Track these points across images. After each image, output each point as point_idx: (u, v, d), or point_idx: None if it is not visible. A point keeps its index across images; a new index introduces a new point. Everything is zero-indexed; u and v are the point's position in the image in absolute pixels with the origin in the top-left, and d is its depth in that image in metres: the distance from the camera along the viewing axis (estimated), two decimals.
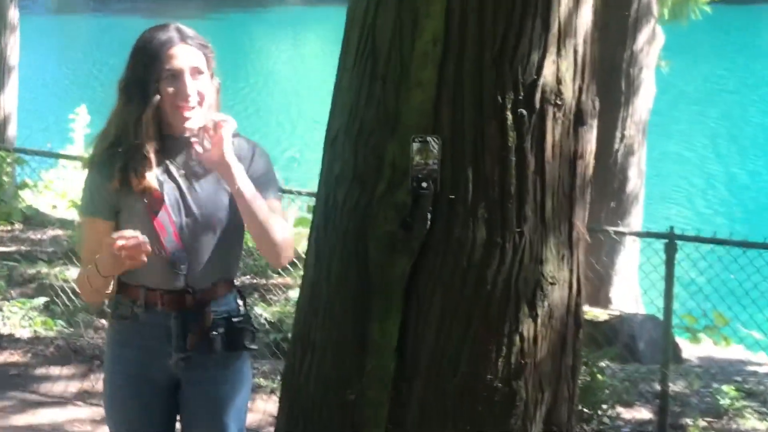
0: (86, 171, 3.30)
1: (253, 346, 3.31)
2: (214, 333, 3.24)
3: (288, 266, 7.33)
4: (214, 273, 3.26)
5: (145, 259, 3.04)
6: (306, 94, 22.82)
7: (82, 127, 11.25)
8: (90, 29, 34.71)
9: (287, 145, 16.41)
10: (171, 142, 3.22)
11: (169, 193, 3.21)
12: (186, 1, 39.84)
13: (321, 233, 3.26)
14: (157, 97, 3.14)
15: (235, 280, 3.39)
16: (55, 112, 19.60)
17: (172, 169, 3.23)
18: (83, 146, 10.88)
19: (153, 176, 3.17)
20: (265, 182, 3.27)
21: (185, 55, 3.17)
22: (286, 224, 3.34)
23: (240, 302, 3.36)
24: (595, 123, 3.19)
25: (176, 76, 3.15)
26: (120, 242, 3.01)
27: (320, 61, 28.53)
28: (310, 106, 20.76)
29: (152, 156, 3.16)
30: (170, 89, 3.15)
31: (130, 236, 3.02)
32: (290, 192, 6.17)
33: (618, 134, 8.39)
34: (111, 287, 3.24)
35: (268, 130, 17.11)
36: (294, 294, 7.22)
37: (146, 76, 3.14)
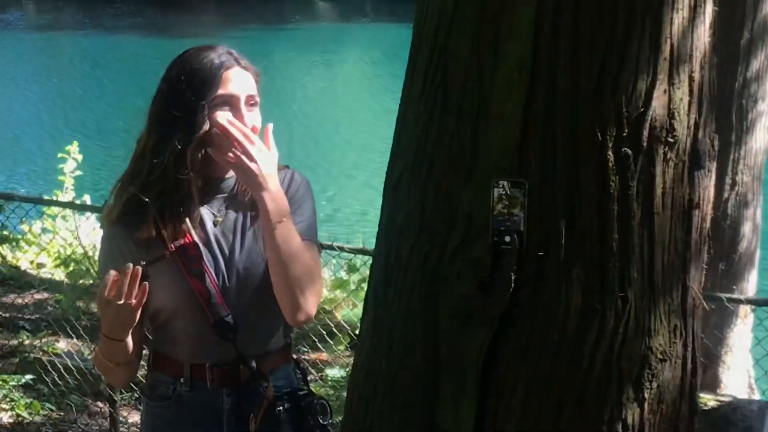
0: (106, 224, 3.33)
1: (330, 421, 3.29)
2: (280, 410, 3.24)
3: (327, 338, 7.35)
4: (267, 339, 3.28)
5: (146, 285, 3.04)
6: (344, 128, 22.92)
7: (72, 170, 11.35)
8: (80, 50, 35.11)
9: (323, 189, 16.46)
10: (210, 185, 3.25)
11: (206, 245, 3.24)
12: (197, 16, 40.23)
13: (380, 297, 3.28)
14: (206, 126, 3.16)
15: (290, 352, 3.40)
16: (40, 151, 19.81)
17: (206, 217, 3.26)
18: (74, 191, 10.97)
19: (196, 221, 3.20)
20: (304, 224, 3.30)
21: (242, 80, 3.22)
22: (320, 274, 3.35)
23: (300, 376, 3.38)
24: (713, 166, 3.20)
25: (231, 104, 3.19)
26: (110, 290, 3.03)
27: (359, 89, 28.66)
28: (350, 142, 20.83)
29: (195, 199, 3.19)
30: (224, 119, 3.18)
31: (116, 277, 3.03)
32: (330, 248, 6.18)
33: (728, 180, 8.33)
34: (129, 357, 3.25)
35: (299, 168, 17.23)
36: (333, 372, 7.25)
37: (195, 103, 3.16)
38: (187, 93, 3.17)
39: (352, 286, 8.46)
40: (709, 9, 3.12)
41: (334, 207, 15.33)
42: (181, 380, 3.28)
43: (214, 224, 3.26)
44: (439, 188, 3.12)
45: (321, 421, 3.27)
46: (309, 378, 7.25)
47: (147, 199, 3.18)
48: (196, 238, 3.21)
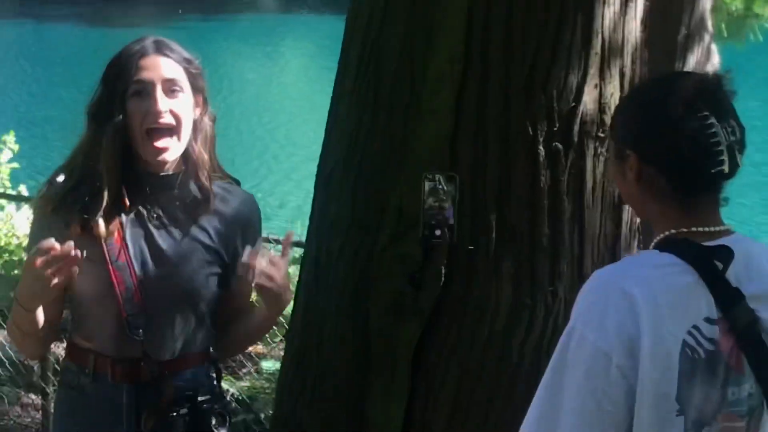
0: (38, 212, 3.29)
1: (223, 431, 3.28)
2: (174, 414, 3.22)
3: None
4: (179, 342, 3.25)
5: (76, 270, 3.02)
6: (283, 120, 22.87)
7: (8, 160, 11.23)
8: (17, 38, 34.80)
9: (262, 182, 16.42)
10: (146, 180, 3.21)
11: (135, 240, 3.19)
12: (140, 7, 39.99)
13: (311, 292, 3.27)
14: (121, 117, 3.12)
15: (210, 352, 3.36)
16: None
17: (143, 211, 3.22)
18: (9, 183, 10.86)
19: (113, 220, 3.17)
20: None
21: (158, 66, 3.17)
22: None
23: (213, 377, 3.35)
24: None
25: (145, 90, 3.14)
26: (41, 257, 2.99)
27: (299, 80, 28.61)
28: (290, 134, 20.79)
29: (107, 193, 3.15)
30: (138, 107, 3.14)
31: (51, 247, 2.99)
32: (268, 241, 6.15)
33: None
34: (37, 330, 3.21)
35: (237, 162, 17.19)
36: (267, 365, 7.22)
37: (112, 95, 3.14)
38: (108, 85, 3.15)
39: (294, 279, 8.43)
40: (640, 4, 3.14)
41: (270, 199, 15.30)
42: (86, 370, 3.25)
43: (151, 219, 3.21)
44: (371, 182, 3.12)
45: (214, 430, 3.23)
46: (243, 370, 7.25)
47: (77, 195, 3.16)
48: (127, 232, 3.18)
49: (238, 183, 3.37)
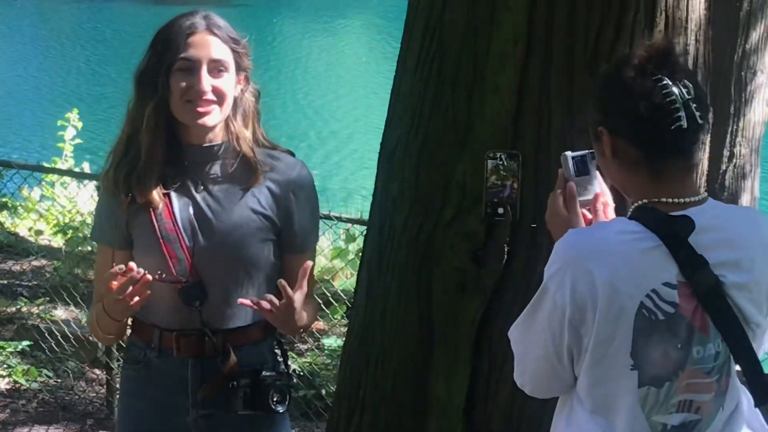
0: (100, 191, 3.34)
1: (280, 408, 3.28)
2: (234, 384, 3.23)
3: (324, 307, 7.35)
4: (240, 313, 3.27)
5: (148, 292, 3.07)
6: (345, 96, 22.88)
7: (72, 137, 11.33)
8: (82, 18, 35.01)
9: (323, 158, 16.44)
10: (191, 152, 3.24)
11: (183, 212, 3.21)
12: None
13: (374, 268, 3.29)
14: (164, 90, 3.16)
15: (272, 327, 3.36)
16: (40, 118, 19.78)
17: (190, 184, 3.24)
18: (73, 159, 10.95)
19: (156, 188, 3.19)
20: (309, 234, 3.32)
21: (207, 45, 3.20)
22: (314, 299, 3.40)
23: (278, 353, 3.36)
24: (707, 139, 3.19)
25: (191, 68, 3.18)
26: (114, 283, 3.04)
27: (363, 57, 28.56)
28: (352, 110, 20.80)
29: (155, 162, 3.19)
30: (182, 83, 3.17)
31: (119, 273, 3.04)
32: (328, 218, 6.17)
33: (726, 152, 8.28)
34: (122, 329, 3.27)
35: (298, 138, 17.23)
36: (328, 341, 7.25)
37: (158, 66, 3.18)
38: (153, 58, 3.20)
39: (350, 256, 8.44)
40: None
41: (333, 175, 15.31)
42: (152, 345, 3.28)
43: (198, 189, 3.24)
44: (434, 159, 3.12)
45: (272, 405, 3.24)
46: (305, 346, 7.28)
47: (121, 164, 3.20)
48: (174, 204, 3.20)
49: (291, 154, 3.38)
